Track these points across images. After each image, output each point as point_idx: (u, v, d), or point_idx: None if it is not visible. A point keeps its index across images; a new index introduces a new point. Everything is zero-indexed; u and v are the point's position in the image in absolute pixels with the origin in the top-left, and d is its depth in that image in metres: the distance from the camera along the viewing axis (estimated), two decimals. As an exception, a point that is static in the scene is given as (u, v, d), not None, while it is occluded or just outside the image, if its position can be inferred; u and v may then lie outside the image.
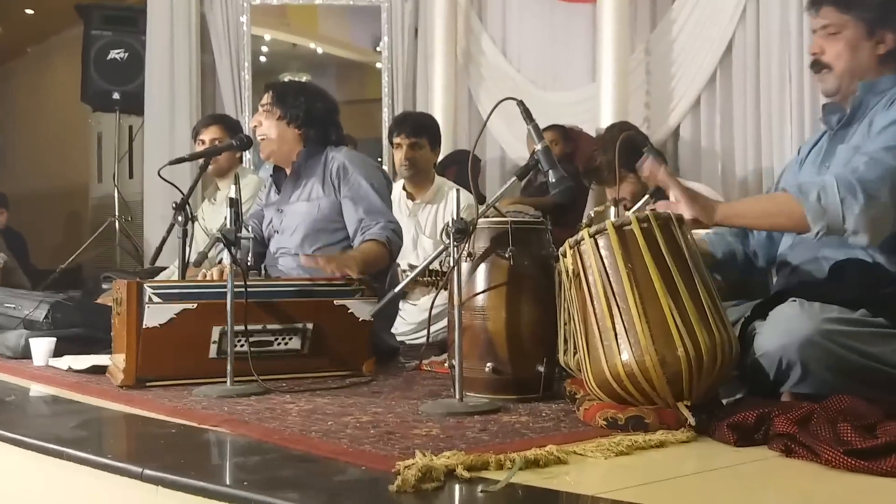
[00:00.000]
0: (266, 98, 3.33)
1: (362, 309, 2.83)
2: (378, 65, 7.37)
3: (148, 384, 2.60)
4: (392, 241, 3.11)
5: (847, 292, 2.07)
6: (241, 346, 2.60)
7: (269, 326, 2.72)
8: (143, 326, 2.59)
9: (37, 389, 2.72)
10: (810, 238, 2.20)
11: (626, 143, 3.05)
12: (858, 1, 2.31)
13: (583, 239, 2.09)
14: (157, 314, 2.60)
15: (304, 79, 7.62)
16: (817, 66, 2.38)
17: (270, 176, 3.47)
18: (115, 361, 2.78)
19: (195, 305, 2.64)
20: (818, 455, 1.64)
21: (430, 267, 3.87)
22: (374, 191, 3.21)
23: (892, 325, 2.04)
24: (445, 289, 2.40)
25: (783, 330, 2.01)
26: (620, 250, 2.02)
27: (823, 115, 2.45)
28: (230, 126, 4.42)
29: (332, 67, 8.14)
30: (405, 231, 4.02)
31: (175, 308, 2.62)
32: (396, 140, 4.17)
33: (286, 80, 4.58)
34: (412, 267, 3.71)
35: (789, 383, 2.01)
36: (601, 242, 2.06)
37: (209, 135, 4.33)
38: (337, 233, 3.23)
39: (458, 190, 2.38)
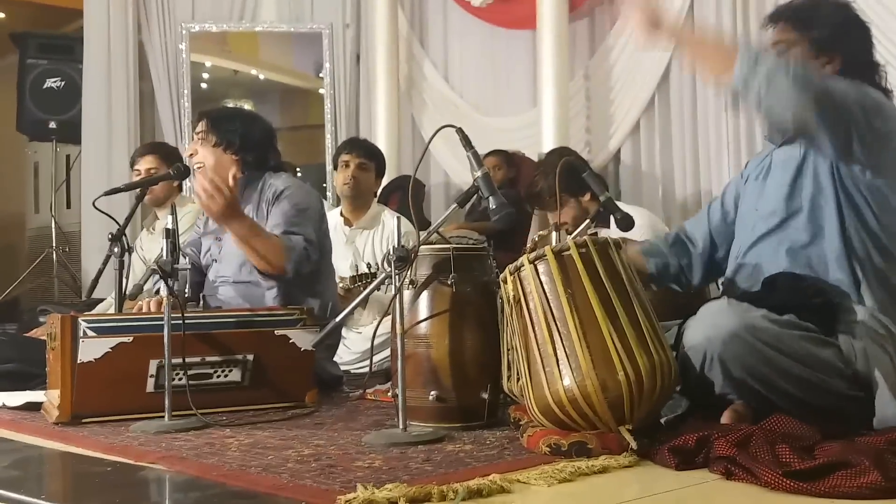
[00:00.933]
0: (200, 126, 3.28)
1: (304, 338, 2.79)
2: (321, 91, 7.36)
3: (84, 420, 2.54)
4: (294, 241, 3.00)
5: (775, 300, 2.11)
6: (180, 379, 2.55)
7: (209, 358, 2.67)
8: (78, 361, 2.52)
9: (-32, 428, 2.64)
10: (762, 252, 2.27)
11: (567, 168, 3.07)
12: (810, 21, 2.35)
13: (523, 265, 2.09)
14: (91, 348, 2.54)
15: (246, 105, 7.58)
16: None
17: None
18: (49, 398, 2.71)
19: (131, 339, 2.58)
20: (758, 477, 1.65)
21: (355, 273, 3.88)
22: (301, 213, 3.13)
23: (819, 332, 2.09)
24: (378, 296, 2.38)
25: (710, 323, 2.05)
26: (560, 276, 2.03)
27: (768, 133, 2.48)
28: (167, 154, 4.35)
29: (275, 94, 8.10)
30: (342, 258, 4.01)
31: (110, 342, 2.56)
32: (345, 158, 4.16)
33: (223, 106, 4.52)
34: (346, 288, 3.70)
35: (716, 381, 2.04)
36: (541, 268, 2.07)
37: (145, 164, 4.27)
38: None
39: (398, 217, 2.37)
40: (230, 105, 7.03)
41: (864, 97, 2.18)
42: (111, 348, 2.56)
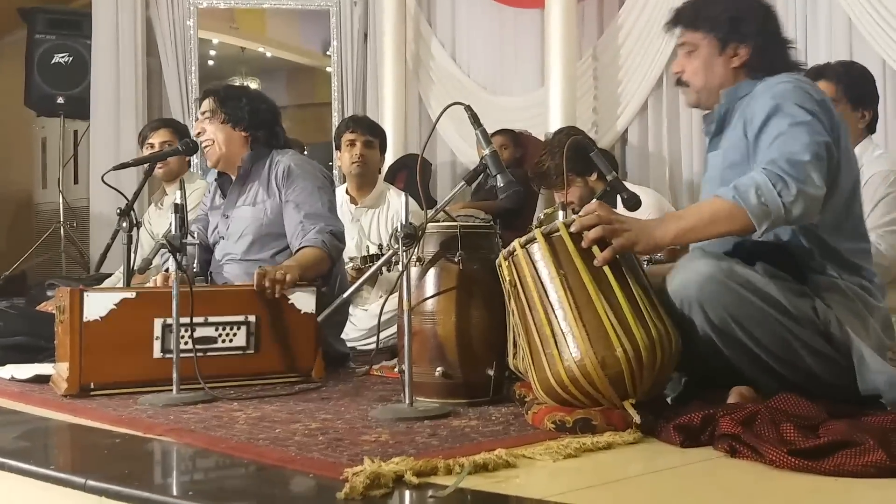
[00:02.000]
0: (207, 104, 3.27)
1: (303, 300, 2.81)
2: (328, 69, 7.34)
3: (92, 393, 2.56)
4: (330, 244, 3.07)
5: (747, 254, 2.15)
6: (185, 343, 2.56)
7: (212, 319, 2.69)
8: (84, 320, 2.55)
9: (-23, 400, 2.66)
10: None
11: (574, 147, 3.07)
12: (705, 20, 2.36)
13: (514, 250, 2.10)
14: (96, 305, 2.57)
15: (253, 83, 7.58)
16: (679, 83, 2.44)
17: (215, 180, 3.43)
18: (58, 370, 2.73)
19: (134, 295, 2.61)
20: (762, 455, 1.66)
21: (367, 254, 3.90)
22: (317, 193, 3.18)
23: (793, 281, 2.11)
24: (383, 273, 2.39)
25: (688, 269, 2.07)
26: (552, 258, 2.04)
27: (705, 126, 2.49)
28: (179, 130, 4.36)
29: (282, 71, 8.10)
30: (349, 236, 4.01)
31: (114, 297, 2.59)
32: (350, 137, 4.16)
33: (229, 83, 4.51)
34: (357, 268, 3.71)
35: (696, 326, 2.05)
36: (532, 251, 2.08)
37: (158, 138, 4.27)
38: (284, 239, 3.20)
39: (406, 195, 2.38)
40: (235, 83, 7.04)
41: (821, 132, 2.15)
42: (115, 304, 2.59)
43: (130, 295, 2.61)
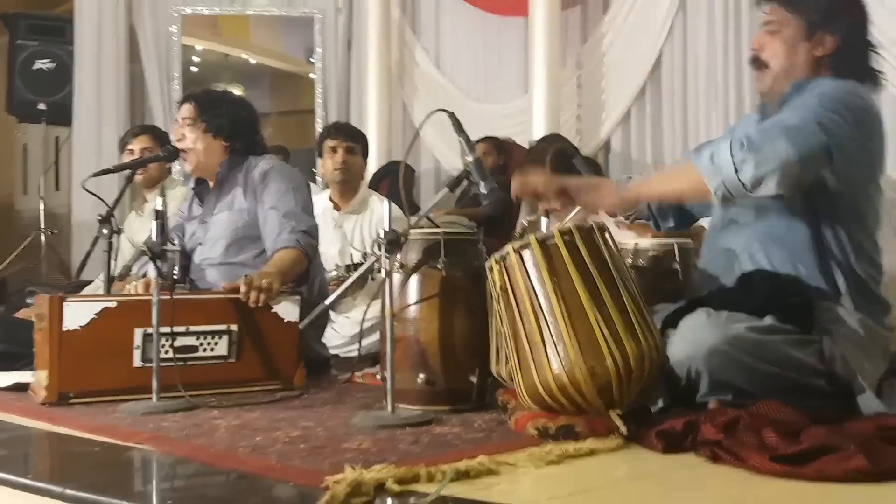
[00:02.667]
0: (186, 110, 3.25)
1: (286, 309, 2.80)
2: (312, 75, 7.33)
3: (72, 401, 2.53)
4: (305, 242, 3.07)
5: (754, 301, 2.09)
6: (166, 351, 2.54)
7: (193, 328, 2.67)
8: (63, 329, 2.52)
9: (-45, 408, 2.63)
10: (724, 236, 2.27)
11: (558, 155, 3.08)
12: (803, 1, 2.28)
13: (507, 254, 2.09)
14: (76, 315, 2.54)
15: (236, 89, 7.55)
16: (756, 62, 2.34)
17: (192, 188, 3.41)
18: (37, 378, 2.70)
19: (115, 303, 2.59)
20: (744, 461, 1.66)
21: (350, 262, 3.89)
22: (291, 193, 3.17)
23: (801, 331, 2.08)
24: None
25: (690, 339, 2.04)
26: (545, 264, 2.03)
27: (759, 109, 2.43)
28: (160, 136, 4.34)
29: (265, 78, 8.06)
30: (331, 243, 4.01)
31: (95, 307, 2.56)
32: (331, 144, 4.15)
33: (210, 89, 4.50)
34: (340, 278, 3.70)
35: (702, 392, 2.04)
36: (526, 257, 2.07)
37: (139, 144, 4.25)
38: (261, 241, 3.19)
39: (388, 201, 2.37)
40: (217, 88, 7.01)
41: (835, 130, 2.10)
42: (96, 314, 2.56)
43: (111, 304, 2.59)
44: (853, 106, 2.16)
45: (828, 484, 1.57)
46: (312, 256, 3.16)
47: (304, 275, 3.16)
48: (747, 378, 2.01)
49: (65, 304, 2.55)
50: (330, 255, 3.99)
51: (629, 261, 2.78)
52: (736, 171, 2.02)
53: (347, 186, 4.19)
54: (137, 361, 2.61)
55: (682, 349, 2.04)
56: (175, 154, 3.30)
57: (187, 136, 3.22)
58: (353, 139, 4.18)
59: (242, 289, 2.73)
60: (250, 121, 3.35)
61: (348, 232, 4.15)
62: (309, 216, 3.19)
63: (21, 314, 3.54)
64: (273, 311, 2.78)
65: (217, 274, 3.18)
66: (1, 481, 1.72)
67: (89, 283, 4.09)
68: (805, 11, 2.27)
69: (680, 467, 1.73)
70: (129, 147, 4.28)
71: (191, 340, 2.68)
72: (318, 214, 3.46)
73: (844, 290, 2.19)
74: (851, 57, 2.28)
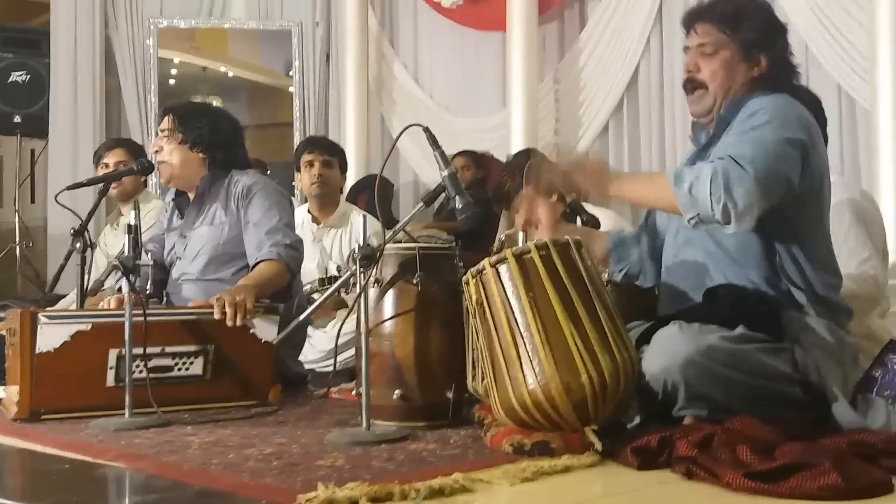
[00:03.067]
0: (166, 122, 3.23)
1: (265, 329, 2.77)
2: (290, 89, 7.33)
3: (43, 417, 2.50)
4: (286, 255, 3.03)
5: (722, 313, 2.11)
6: (140, 371, 2.51)
7: (169, 349, 2.64)
8: (36, 352, 2.49)
9: (-76, 425, 2.59)
10: (682, 253, 2.30)
11: (534, 169, 3.07)
12: (742, 22, 2.30)
13: (484, 268, 2.09)
14: (50, 337, 2.51)
15: (214, 102, 7.53)
16: (690, 83, 2.36)
17: (172, 200, 3.38)
18: (8, 394, 2.67)
19: (89, 326, 2.55)
20: (719, 477, 1.66)
21: (325, 276, 3.87)
22: (274, 209, 3.14)
23: (772, 340, 2.10)
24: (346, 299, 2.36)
25: (664, 351, 2.04)
26: (521, 279, 2.02)
27: (692, 133, 2.47)
28: (134, 150, 4.31)
29: (244, 91, 8.05)
30: (310, 257, 3.98)
31: (69, 329, 2.53)
32: (308, 158, 4.13)
33: (190, 101, 4.47)
34: (314, 291, 3.69)
35: (679, 404, 2.04)
36: (502, 271, 2.06)
37: (113, 158, 4.22)
38: (241, 258, 3.16)
39: (364, 216, 2.36)
40: (197, 100, 6.99)
41: (793, 156, 2.15)
42: (70, 337, 2.53)
43: (85, 327, 2.54)
44: (802, 122, 2.21)
45: (802, 501, 1.57)
46: (296, 271, 3.13)
47: (286, 291, 3.12)
48: (723, 388, 2.01)
49: (39, 326, 2.50)
50: (308, 269, 3.96)
51: (605, 276, 2.78)
52: (711, 208, 2.05)
53: (326, 200, 4.17)
54: (111, 381, 2.58)
55: (657, 362, 2.04)
56: (150, 167, 3.27)
57: (164, 148, 3.20)
58: (330, 153, 4.16)
59: (216, 309, 2.69)
60: (232, 133, 3.32)
61: (327, 246, 4.13)
62: (291, 231, 3.17)
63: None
64: (252, 331, 2.75)
65: (194, 289, 3.14)
66: (-31, 500, 1.70)
67: (63, 296, 4.04)
68: (741, 32, 2.30)
69: (655, 484, 1.73)
70: (104, 161, 4.25)
71: (166, 361, 2.65)
72: (296, 228, 3.45)
73: (805, 303, 2.20)
74: (781, 76, 2.34)
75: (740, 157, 2.08)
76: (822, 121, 3.14)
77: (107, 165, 4.22)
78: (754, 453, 1.69)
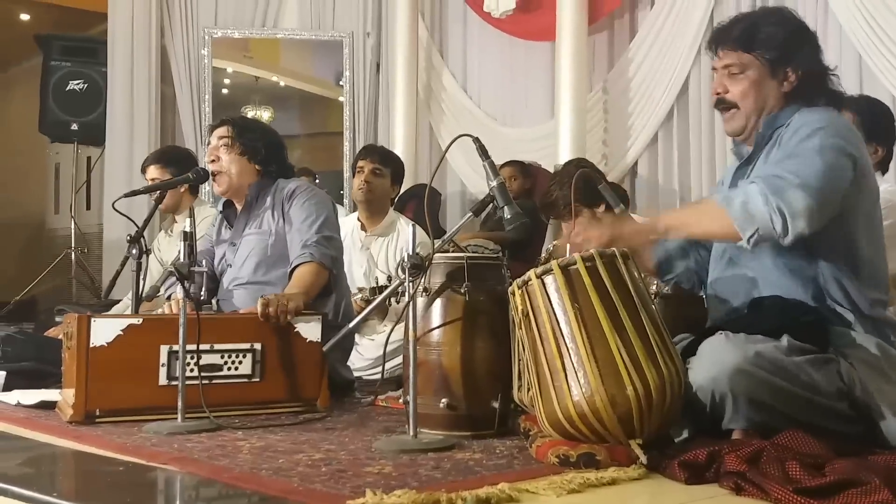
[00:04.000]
0: (224, 131, 3.30)
1: (309, 328, 2.81)
2: (340, 98, 7.40)
3: (98, 420, 2.56)
4: (320, 254, 3.09)
5: (767, 322, 2.10)
6: (191, 370, 2.56)
7: (218, 346, 2.69)
8: (90, 346, 2.55)
9: (-17, 425, 2.66)
10: (730, 272, 2.29)
11: (582, 178, 3.07)
12: (761, 41, 2.30)
13: (530, 279, 2.09)
14: (103, 331, 2.57)
15: (266, 111, 7.64)
16: (722, 104, 2.37)
17: (220, 212, 3.45)
18: (64, 396, 2.73)
19: (140, 321, 2.62)
20: (768, 493, 1.65)
21: (375, 285, 3.90)
22: (312, 208, 3.20)
23: (818, 350, 2.08)
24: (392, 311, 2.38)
25: (711, 361, 2.03)
26: (567, 290, 2.03)
27: (735, 148, 2.47)
28: (169, 161, 4.35)
29: (295, 100, 8.15)
30: (357, 264, 4.03)
31: (121, 323, 2.59)
32: (360, 164, 4.18)
33: (243, 115, 4.55)
34: (365, 299, 3.72)
35: (727, 416, 2.02)
36: (548, 282, 2.06)
37: (149, 175, 4.32)
38: (289, 260, 3.21)
39: (413, 225, 2.38)
40: (248, 112, 7.13)
41: (843, 166, 2.15)
42: (122, 330, 2.59)
43: (136, 321, 2.61)
44: (852, 137, 2.20)
45: (852, 518, 1.55)
46: (331, 266, 3.16)
47: (326, 288, 3.17)
48: (770, 396, 1.99)
49: (92, 320, 2.58)
50: (356, 276, 4.00)
51: (653, 288, 2.77)
52: (770, 219, 2.05)
53: (373, 207, 4.20)
54: (163, 380, 2.63)
55: (704, 372, 2.03)
56: (204, 176, 3.34)
57: (222, 158, 3.27)
58: (383, 162, 4.19)
59: (260, 309, 2.74)
60: (281, 148, 3.43)
61: (375, 254, 4.16)
62: (329, 230, 3.21)
63: (50, 332, 3.59)
64: (296, 330, 2.80)
65: (245, 294, 3.20)
66: (27, 499, 1.74)
67: (118, 301, 4.13)
68: (764, 51, 2.30)
69: (703, 498, 1.72)
70: (146, 177, 4.35)
71: (215, 359, 2.69)
72: (345, 235, 3.49)
73: (852, 320, 2.19)
74: (815, 85, 2.32)
75: (790, 171, 2.08)
76: (885, 123, 3.11)
77: (152, 181, 4.31)
78: (804, 469, 1.68)
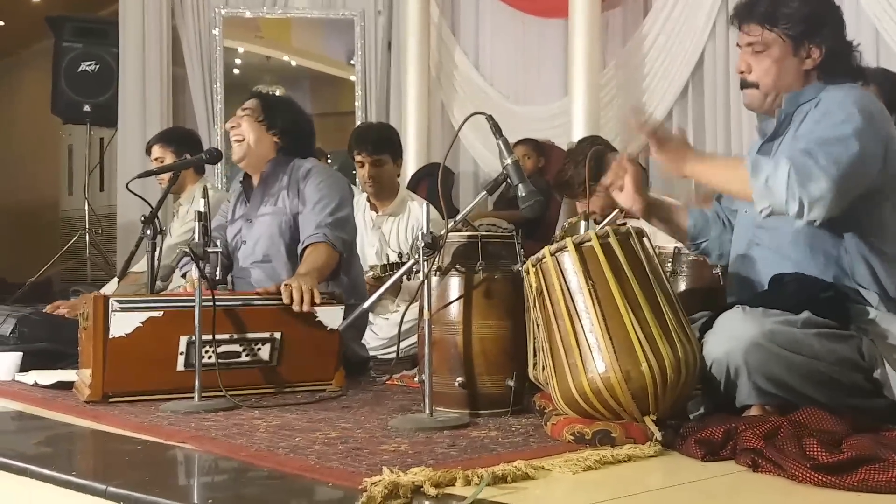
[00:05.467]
0: (251, 103, 3.31)
1: (330, 316, 2.81)
2: (352, 77, 7.37)
3: (115, 399, 2.57)
4: (332, 236, 3.09)
5: (787, 298, 2.09)
6: (209, 357, 2.57)
7: (237, 335, 2.70)
8: (110, 337, 2.56)
9: (1, 404, 2.68)
10: (754, 250, 2.28)
11: (597, 156, 3.06)
12: (784, 17, 2.28)
13: (544, 257, 2.09)
14: (122, 323, 2.57)
15: (278, 90, 7.62)
16: (744, 83, 2.37)
17: (240, 182, 3.44)
18: (81, 376, 2.75)
19: (161, 313, 2.61)
20: (785, 470, 1.65)
21: (387, 262, 3.91)
22: (326, 189, 3.20)
23: (838, 326, 2.07)
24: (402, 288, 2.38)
25: (728, 335, 2.03)
26: (581, 268, 2.02)
27: (758, 123, 2.46)
28: (171, 140, 4.38)
29: (306, 80, 8.13)
30: (369, 244, 4.03)
31: (141, 316, 2.59)
32: (358, 158, 4.15)
33: (277, 94, 4.51)
34: (377, 277, 3.72)
35: (743, 392, 2.02)
36: (562, 260, 2.06)
37: (153, 154, 4.35)
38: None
39: (427, 204, 2.37)
40: (263, 90, 7.09)
41: (876, 147, 2.14)
42: (142, 323, 2.59)
43: (157, 314, 2.60)
44: (881, 117, 2.19)
45: (870, 494, 1.55)
46: (342, 250, 3.15)
47: (335, 272, 3.18)
48: (786, 371, 1.99)
49: (112, 313, 2.57)
50: (368, 256, 4.00)
51: (669, 266, 2.76)
52: (786, 202, 2.05)
53: (382, 194, 4.19)
54: (181, 366, 2.64)
55: (720, 346, 2.03)
56: (217, 156, 3.34)
57: (242, 125, 3.28)
58: (378, 150, 4.13)
59: (285, 297, 2.74)
60: (305, 126, 3.43)
61: (386, 233, 4.16)
62: (343, 213, 3.22)
63: (51, 308, 3.59)
64: (317, 318, 2.80)
65: (261, 273, 3.21)
66: (45, 478, 1.76)
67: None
68: (788, 27, 2.28)
69: (719, 475, 1.72)
70: (151, 158, 4.38)
71: (234, 347, 2.70)
72: (356, 215, 3.48)
73: (876, 303, 2.18)
74: (838, 61, 2.31)
75: (818, 153, 2.06)
76: None
77: (156, 160, 4.33)
78: (821, 445, 1.68)
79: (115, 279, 3.93)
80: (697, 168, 2.30)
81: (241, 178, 3.44)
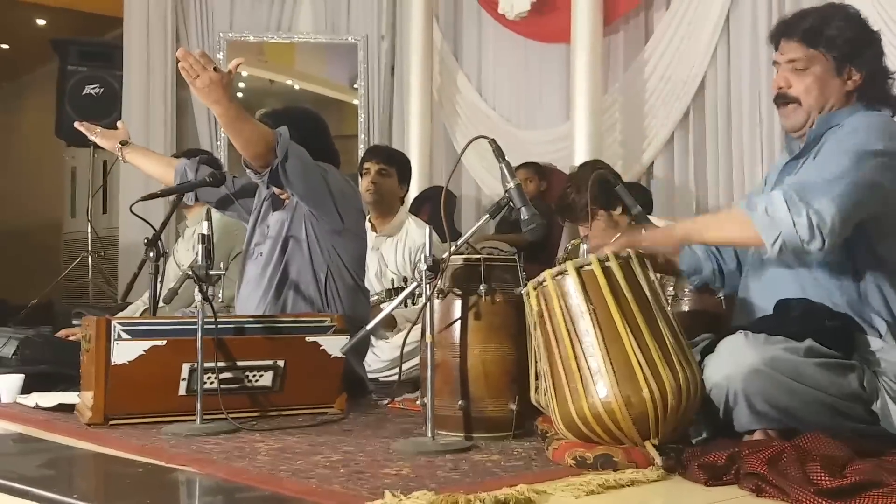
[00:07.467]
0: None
1: (334, 345, 2.81)
2: (355, 101, 7.41)
3: (116, 422, 2.57)
4: (282, 140, 2.95)
5: (791, 325, 2.07)
6: (212, 383, 2.58)
7: (240, 363, 2.70)
8: (112, 363, 2.56)
9: (3, 427, 2.68)
10: (765, 272, 2.26)
11: (599, 180, 3.07)
12: (828, 38, 2.27)
13: (545, 280, 2.09)
14: (125, 351, 2.57)
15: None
16: (783, 99, 2.33)
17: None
18: (83, 399, 2.74)
19: (164, 342, 2.61)
20: (788, 495, 1.64)
21: (391, 287, 3.90)
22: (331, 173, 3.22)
23: (841, 356, 2.06)
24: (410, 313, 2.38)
25: (729, 360, 2.02)
26: (582, 291, 2.03)
27: (787, 143, 2.45)
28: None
29: (309, 103, 8.14)
30: (368, 266, 4.03)
31: (144, 345, 2.59)
32: (366, 165, 4.18)
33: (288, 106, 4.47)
34: (379, 301, 3.71)
35: (744, 417, 2.01)
36: (563, 283, 2.06)
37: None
38: (303, 242, 3.21)
39: (430, 226, 2.38)
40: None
41: (875, 180, 2.11)
42: (145, 351, 2.59)
43: (160, 342, 2.60)
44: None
45: (873, 519, 1.54)
46: (279, 147, 2.94)
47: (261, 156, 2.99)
48: (787, 399, 1.98)
49: (115, 342, 2.57)
50: (367, 278, 4.00)
51: (671, 289, 2.76)
52: (794, 223, 2.03)
53: (381, 208, 4.20)
54: (183, 391, 2.64)
55: (720, 370, 2.02)
56: (222, 179, 3.35)
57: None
58: (388, 162, 4.18)
59: (179, 58, 2.66)
60: (317, 131, 3.43)
61: (385, 254, 4.17)
62: (324, 166, 3.19)
63: (62, 334, 3.59)
64: (322, 347, 2.80)
65: (255, 268, 3.23)
66: (47, 501, 1.75)
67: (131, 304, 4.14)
68: (832, 48, 2.27)
69: (722, 500, 1.71)
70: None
71: (237, 374, 2.70)
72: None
73: (884, 332, 2.17)
74: (876, 87, 2.30)
75: (822, 177, 2.06)
76: None
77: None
78: (824, 470, 1.67)
79: (139, 303, 3.91)
80: (689, 228, 2.29)
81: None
